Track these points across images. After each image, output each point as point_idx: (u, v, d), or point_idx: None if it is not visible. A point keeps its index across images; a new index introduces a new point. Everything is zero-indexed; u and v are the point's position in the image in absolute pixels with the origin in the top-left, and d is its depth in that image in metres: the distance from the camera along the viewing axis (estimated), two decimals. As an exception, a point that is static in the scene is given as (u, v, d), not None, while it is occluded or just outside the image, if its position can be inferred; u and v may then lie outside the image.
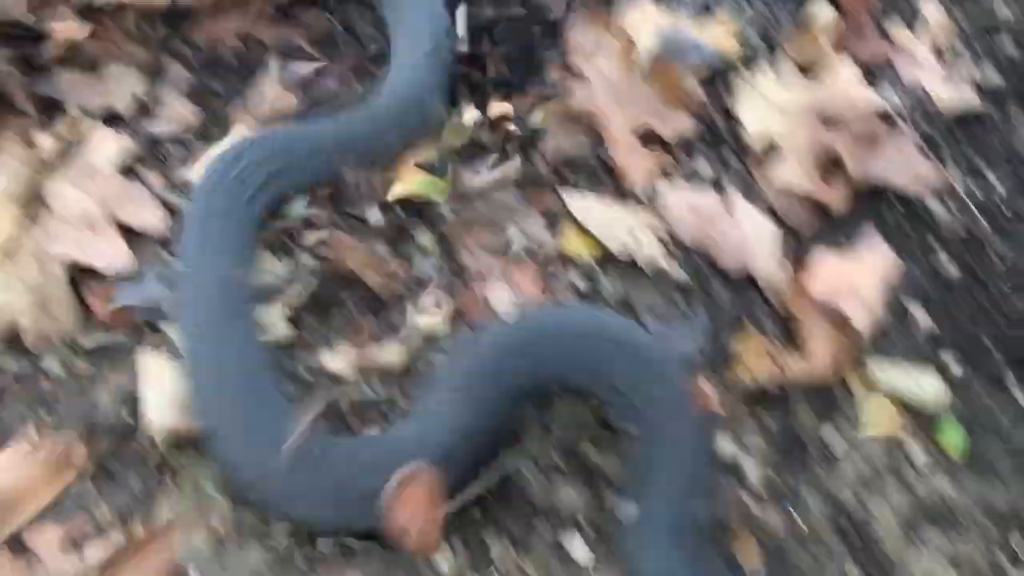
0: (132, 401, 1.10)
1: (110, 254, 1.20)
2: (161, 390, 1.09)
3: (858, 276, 1.23)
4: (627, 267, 1.27)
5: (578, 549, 1.08)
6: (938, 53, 1.52)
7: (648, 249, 1.28)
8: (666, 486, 1.03)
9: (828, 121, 1.36)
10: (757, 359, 1.19)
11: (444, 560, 1.06)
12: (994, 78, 1.51)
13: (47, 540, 1.02)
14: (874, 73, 1.47)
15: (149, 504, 1.05)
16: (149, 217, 1.24)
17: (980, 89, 1.48)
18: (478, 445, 1.06)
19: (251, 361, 1.09)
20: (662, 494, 1.03)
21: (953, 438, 1.19)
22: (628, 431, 1.09)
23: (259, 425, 1.04)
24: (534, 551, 1.08)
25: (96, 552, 1.00)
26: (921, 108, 1.45)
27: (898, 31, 1.53)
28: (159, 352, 1.13)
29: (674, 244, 1.30)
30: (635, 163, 1.35)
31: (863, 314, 1.20)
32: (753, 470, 1.15)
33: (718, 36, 1.45)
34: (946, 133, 1.44)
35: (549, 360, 1.08)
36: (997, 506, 1.16)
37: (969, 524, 1.15)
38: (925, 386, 1.20)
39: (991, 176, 1.41)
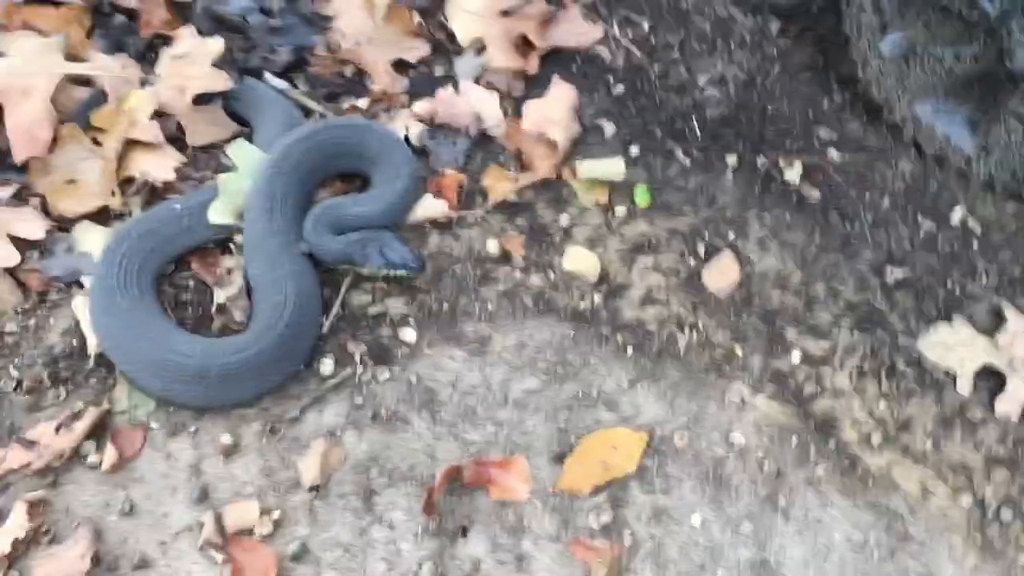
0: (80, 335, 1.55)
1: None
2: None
3: (552, 110, 1.77)
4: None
5: (409, 335, 1.59)
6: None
7: (415, 130, 1.79)
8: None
9: (513, 13, 1.89)
10: (500, 182, 1.71)
11: (323, 365, 1.55)
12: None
13: (42, 431, 1.46)
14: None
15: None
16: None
17: (627, -35, 2.05)
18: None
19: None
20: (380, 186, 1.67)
21: (642, 196, 1.74)
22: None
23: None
24: (381, 343, 1.58)
25: (81, 425, 1.46)
26: (585, -14, 2.01)
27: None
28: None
29: (434, 125, 1.82)
30: (391, 84, 1.86)
31: (561, 133, 1.74)
32: (517, 253, 1.67)
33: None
34: (603, 1, 2.00)
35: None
36: (681, 230, 1.72)
37: (665, 246, 1.70)
38: (615, 168, 1.74)
39: (640, 22, 1.97)
